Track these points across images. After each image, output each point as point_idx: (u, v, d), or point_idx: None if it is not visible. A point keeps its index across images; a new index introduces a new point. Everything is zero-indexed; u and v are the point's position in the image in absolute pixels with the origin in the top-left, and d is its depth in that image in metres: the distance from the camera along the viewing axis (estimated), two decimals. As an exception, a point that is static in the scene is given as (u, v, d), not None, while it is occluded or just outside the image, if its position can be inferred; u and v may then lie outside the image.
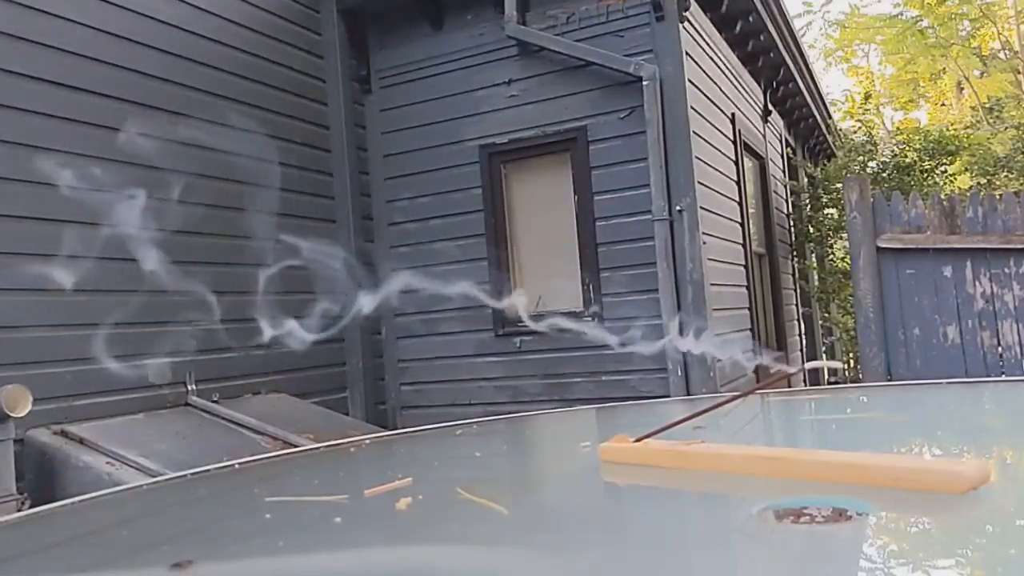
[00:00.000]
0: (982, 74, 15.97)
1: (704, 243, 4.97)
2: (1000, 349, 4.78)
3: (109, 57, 4.09)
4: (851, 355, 9.04)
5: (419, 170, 5.61)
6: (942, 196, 5.21)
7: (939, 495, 0.77)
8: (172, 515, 1.15)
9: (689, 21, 5.18)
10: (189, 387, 4.26)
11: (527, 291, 5.41)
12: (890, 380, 4.70)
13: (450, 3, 5.57)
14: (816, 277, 9.59)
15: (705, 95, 5.59)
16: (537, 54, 5.29)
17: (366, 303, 1.37)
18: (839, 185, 8.03)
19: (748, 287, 6.37)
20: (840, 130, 11.79)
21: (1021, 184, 9.92)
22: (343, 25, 5.64)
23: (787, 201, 8.93)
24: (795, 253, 8.97)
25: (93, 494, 1.18)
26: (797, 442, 1.49)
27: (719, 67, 6.15)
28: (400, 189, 5.69)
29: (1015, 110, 13.85)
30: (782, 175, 8.77)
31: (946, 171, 9.24)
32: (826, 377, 8.08)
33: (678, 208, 4.87)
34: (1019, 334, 4.75)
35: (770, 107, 8.14)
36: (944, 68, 16.87)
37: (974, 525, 0.74)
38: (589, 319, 5.08)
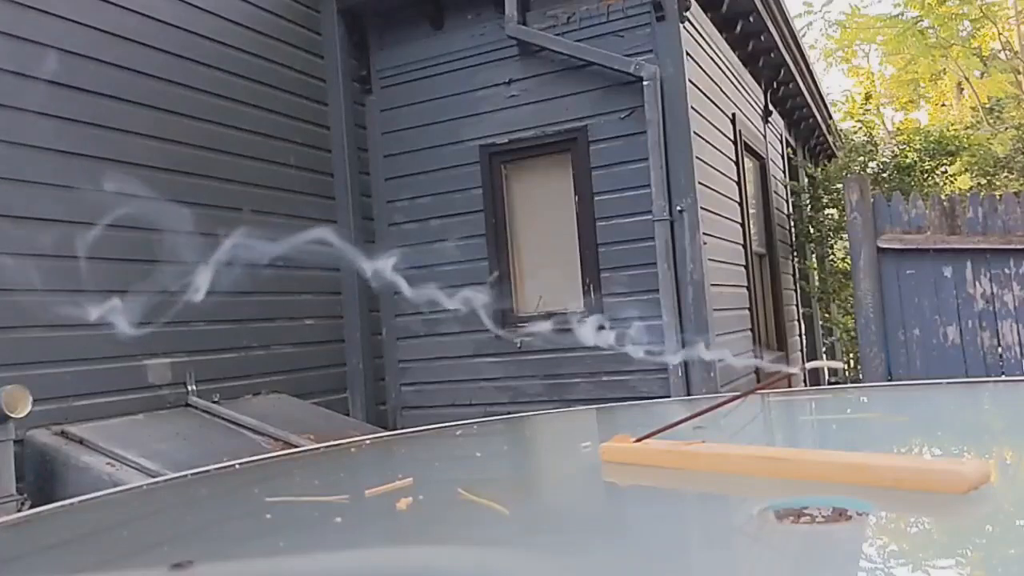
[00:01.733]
0: (982, 74, 15.95)
1: (704, 243, 4.97)
2: (1000, 349, 4.78)
3: (109, 57, 4.09)
4: (851, 355, 9.04)
5: (419, 170, 5.61)
6: (942, 196, 5.21)
7: (939, 495, 0.77)
8: (172, 515, 1.15)
9: (690, 21, 5.18)
10: (189, 387, 4.26)
11: (527, 291, 5.41)
12: (890, 380, 4.70)
13: (450, 3, 5.57)
14: (816, 277, 9.59)
15: (706, 95, 5.59)
16: (537, 54, 5.29)
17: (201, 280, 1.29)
18: (839, 185, 8.03)
19: (748, 287, 6.37)
20: (840, 130, 11.79)
21: (1021, 184, 9.92)
22: (343, 25, 5.64)
23: (787, 201, 8.93)
24: (795, 253, 8.97)
25: (93, 494, 1.18)
26: (797, 442, 1.49)
27: (720, 67, 6.15)
28: (400, 189, 5.69)
29: (1015, 110, 13.84)
30: (782, 175, 8.77)
31: (946, 171, 9.24)
32: (826, 377, 8.08)
33: (679, 208, 4.87)
34: (1019, 334, 4.74)
35: (771, 107, 8.14)
36: (944, 68, 16.86)
37: (974, 525, 0.74)
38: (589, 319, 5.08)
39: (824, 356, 9.97)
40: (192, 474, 1.27)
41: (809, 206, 9.15)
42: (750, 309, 6.34)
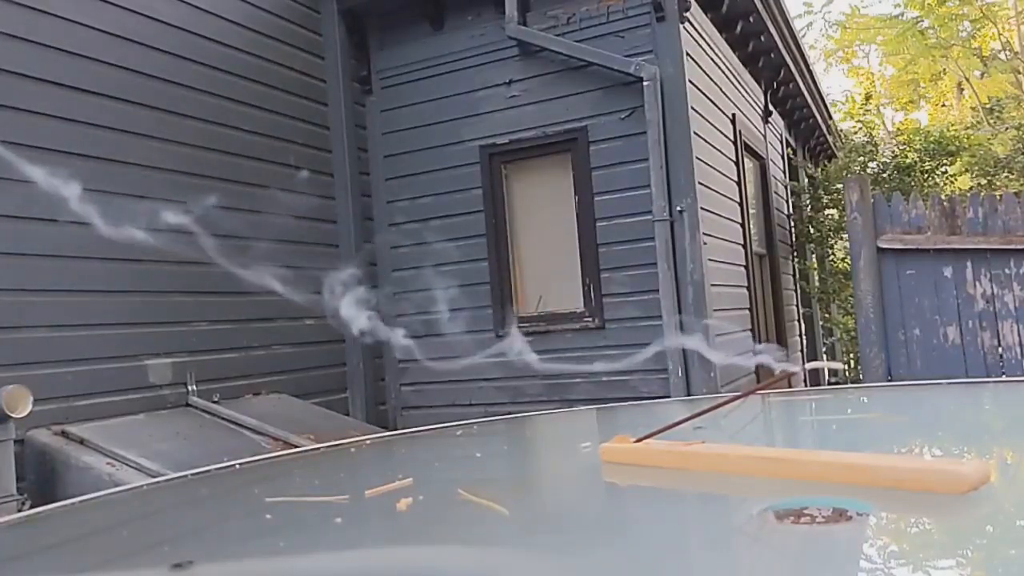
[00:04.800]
0: (982, 75, 15.96)
1: (705, 244, 4.97)
2: (1000, 350, 4.78)
3: (109, 57, 4.09)
4: (851, 356, 9.04)
5: (420, 171, 5.61)
6: (942, 197, 5.21)
7: (939, 495, 0.77)
8: (172, 515, 1.15)
9: (690, 22, 5.18)
10: (190, 387, 4.26)
11: (527, 291, 5.41)
12: (890, 380, 4.70)
13: (451, 3, 5.57)
14: (816, 278, 9.59)
15: (706, 96, 5.59)
16: (538, 54, 5.29)
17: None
18: (839, 186, 8.04)
19: (749, 288, 6.37)
20: (841, 131, 11.79)
21: (1021, 185, 9.91)
22: (343, 25, 5.64)
23: (787, 202, 8.93)
24: (795, 254, 8.97)
25: (93, 494, 1.18)
26: (797, 443, 1.49)
27: (720, 68, 6.15)
28: (401, 190, 5.69)
29: (1015, 111, 13.84)
30: (782, 176, 8.77)
31: (947, 172, 9.24)
32: (826, 378, 8.08)
33: (679, 209, 4.87)
34: (1019, 335, 4.74)
35: (771, 108, 8.14)
36: (944, 69, 16.86)
37: (974, 525, 0.74)
38: (589, 320, 5.09)
39: (824, 356, 9.96)
40: (192, 474, 1.27)
41: (809, 206, 9.15)
42: (750, 309, 6.34)
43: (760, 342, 6.42)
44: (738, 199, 6.33)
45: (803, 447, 1.38)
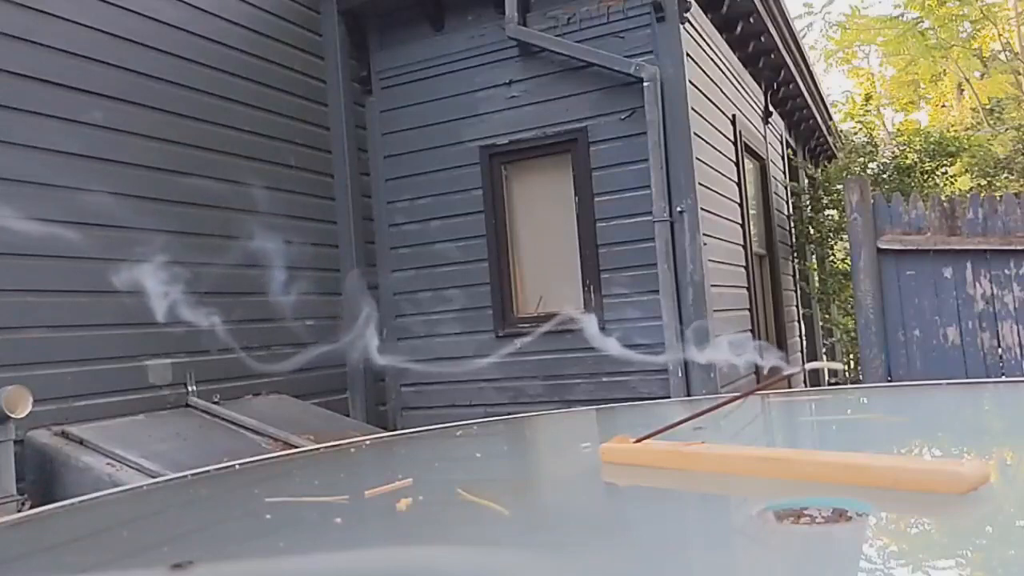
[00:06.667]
0: (982, 75, 15.96)
1: (705, 244, 4.97)
2: (1000, 350, 4.78)
3: (109, 57, 4.09)
4: (851, 356, 9.04)
5: (420, 171, 5.62)
6: (942, 197, 5.21)
7: (939, 495, 0.77)
8: (172, 516, 1.15)
9: (690, 22, 5.18)
10: (189, 388, 4.26)
11: (528, 292, 5.41)
12: (890, 381, 4.70)
13: (451, 4, 5.57)
14: (816, 278, 9.59)
15: (706, 96, 5.59)
16: (538, 55, 5.29)
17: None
18: (840, 186, 8.03)
19: (749, 288, 6.37)
20: (841, 131, 11.79)
21: (1021, 185, 9.92)
22: (343, 26, 5.64)
23: (787, 202, 8.93)
24: (795, 254, 8.97)
25: (93, 495, 1.18)
26: (797, 443, 1.49)
27: (720, 68, 6.15)
28: (401, 190, 5.69)
29: (1015, 111, 13.84)
30: (783, 176, 8.77)
31: (947, 172, 9.24)
32: (826, 378, 8.08)
33: (679, 209, 4.87)
34: (1019, 335, 4.74)
35: (771, 108, 8.14)
36: (945, 69, 16.87)
37: (974, 526, 0.74)
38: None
39: (824, 357, 9.96)
40: (192, 474, 1.27)
41: (809, 207, 9.15)
42: (750, 310, 6.34)
43: (760, 343, 6.42)
44: (738, 200, 6.33)
45: (803, 447, 1.38)
